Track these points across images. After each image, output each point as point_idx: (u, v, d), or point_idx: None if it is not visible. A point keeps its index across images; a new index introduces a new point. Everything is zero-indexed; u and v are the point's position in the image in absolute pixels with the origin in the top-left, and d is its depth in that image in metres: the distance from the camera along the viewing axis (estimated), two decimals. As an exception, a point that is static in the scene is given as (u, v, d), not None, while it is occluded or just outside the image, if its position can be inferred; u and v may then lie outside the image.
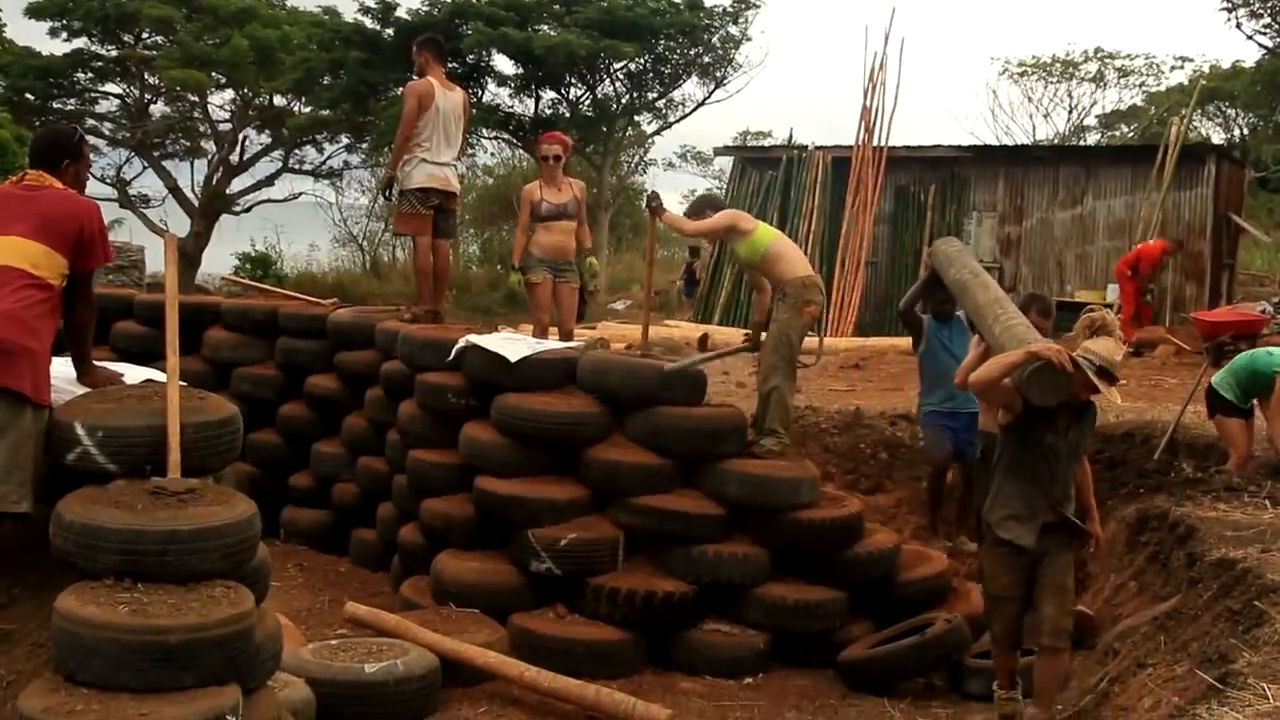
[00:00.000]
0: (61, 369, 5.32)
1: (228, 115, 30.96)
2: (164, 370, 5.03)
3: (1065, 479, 6.22)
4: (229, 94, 30.41)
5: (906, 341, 19.95)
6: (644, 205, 9.73)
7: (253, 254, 30.27)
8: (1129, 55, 39.24)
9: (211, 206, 30.00)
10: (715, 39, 29.80)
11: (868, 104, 22.65)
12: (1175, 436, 10.17)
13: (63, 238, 5.07)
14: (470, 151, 32.29)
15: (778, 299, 8.68)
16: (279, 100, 30.47)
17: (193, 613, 4.27)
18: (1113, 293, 20.26)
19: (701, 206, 9.38)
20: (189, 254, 28.29)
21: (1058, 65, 40.13)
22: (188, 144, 31.65)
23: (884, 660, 7.60)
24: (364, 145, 30.86)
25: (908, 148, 23.12)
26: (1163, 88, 38.20)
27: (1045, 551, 6.16)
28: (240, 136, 30.74)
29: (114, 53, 29.97)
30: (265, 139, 31.54)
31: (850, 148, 22.68)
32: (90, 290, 5.37)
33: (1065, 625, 6.16)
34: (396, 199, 10.29)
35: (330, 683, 6.26)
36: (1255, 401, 9.36)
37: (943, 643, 7.53)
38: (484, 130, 29.82)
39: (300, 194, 33.02)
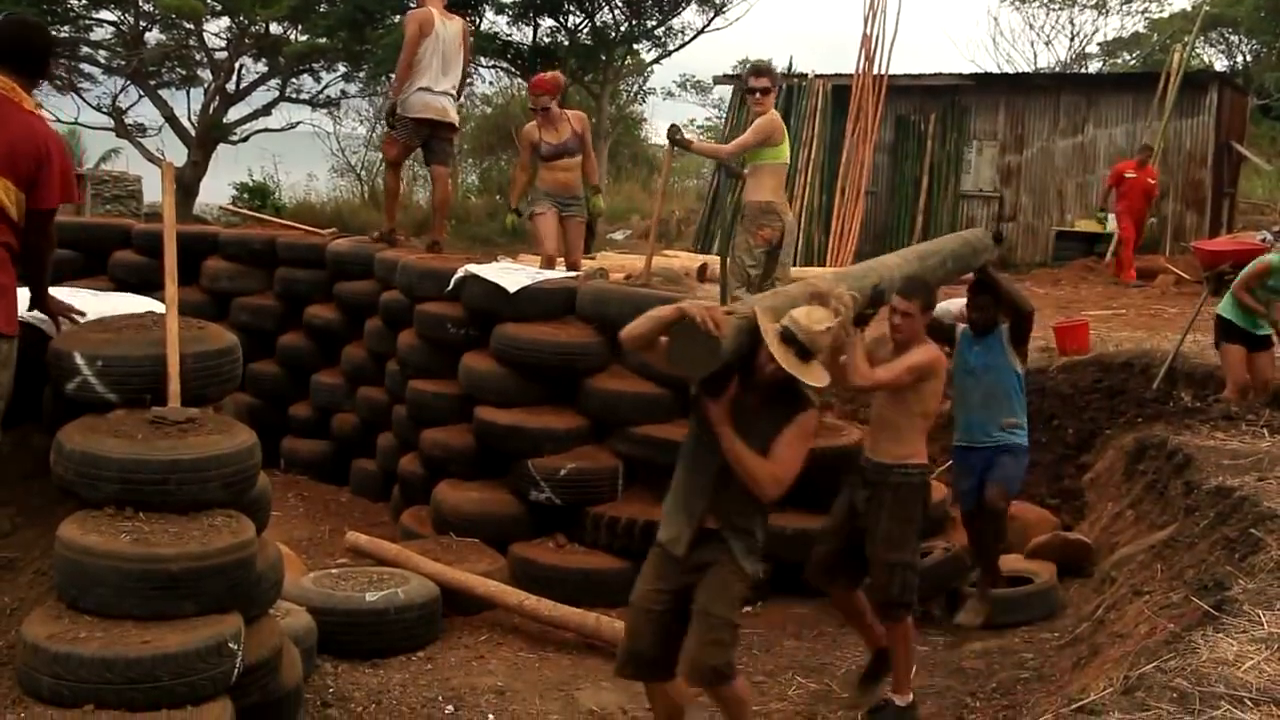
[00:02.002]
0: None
1: (224, 43, 30.61)
2: (163, 300, 5.02)
3: (728, 479, 4.98)
4: (225, 21, 30.01)
5: (906, 271, 19.98)
6: (666, 136, 9.61)
7: (250, 184, 30.07)
8: (1131, -19, 38.85)
9: (208, 136, 29.74)
10: (715, -35, 29.49)
11: (868, 32, 22.43)
12: (1174, 365, 10.18)
13: (20, 173, 4.85)
14: (470, 81, 32.03)
15: (739, 220, 8.86)
16: (275, 28, 30.14)
17: (194, 541, 4.29)
18: (1112, 222, 20.21)
19: (764, 70, 9.28)
20: (186, 184, 28.08)
21: (1060, -9, 39.72)
22: (184, 72, 31.28)
23: (882, 588, 7.64)
24: (361, 74, 30.58)
25: (908, 76, 22.94)
26: (1165, 14, 37.75)
27: (703, 566, 5.03)
28: (236, 65, 30.44)
29: (108, -22, 29.65)
30: (261, 68, 31.26)
31: (850, 76, 22.49)
32: (51, 228, 5.10)
33: (708, 663, 4.90)
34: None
35: (331, 611, 6.33)
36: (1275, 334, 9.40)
37: (941, 571, 7.58)
38: (482, 59, 29.56)
39: (298, 123, 32.72)
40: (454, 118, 10.24)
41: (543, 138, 9.88)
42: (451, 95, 10.07)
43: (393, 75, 10.36)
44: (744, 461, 4.91)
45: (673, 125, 9.10)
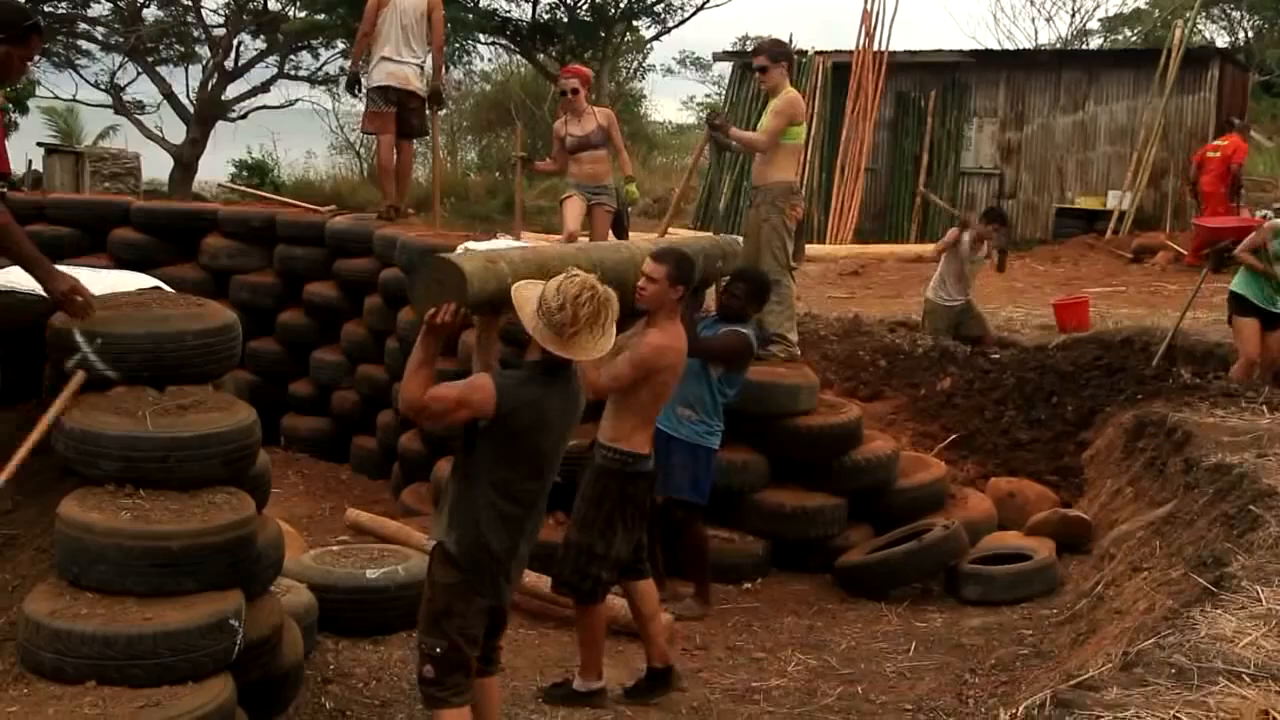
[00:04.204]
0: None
1: (222, 20, 30.53)
2: (163, 279, 5.00)
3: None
4: (223, -2, 30.03)
5: (906, 248, 19.97)
6: (706, 122, 9.71)
7: (249, 161, 29.99)
8: (1133, -45, 38.71)
9: (207, 113, 29.65)
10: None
11: (868, 8, 22.38)
12: (1174, 343, 10.20)
13: None
14: (467, 59, 31.92)
15: (757, 198, 8.82)
16: (273, 4, 30.05)
17: (195, 519, 4.30)
18: (1113, 198, 20.17)
19: (761, 48, 9.31)
20: (185, 160, 28.07)
21: (1061, -33, 39.61)
22: (182, 49, 31.17)
23: (881, 566, 7.67)
24: (360, 51, 30.46)
25: (908, 52, 22.89)
26: (1167, -10, 37.75)
27: None
28: (235, 42, 30.33)
29: (105, -45, 29.52)
30: (260, 44, 31.15)
31: (850, 52, 22.45)
32: None
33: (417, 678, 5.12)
34: (364, 97, 10.75)
35: (332, 588, 6.33)
36: None
37: (940, 548, 7.58)
38: (481, 36, 29.48)
39: (296, 100, 32.64)
40: (417, 87, 10.53)
41: (568, 130, 9.96)
42: (417, 66, 10.45)
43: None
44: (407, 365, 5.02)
45: (712, 111, 9.13)
